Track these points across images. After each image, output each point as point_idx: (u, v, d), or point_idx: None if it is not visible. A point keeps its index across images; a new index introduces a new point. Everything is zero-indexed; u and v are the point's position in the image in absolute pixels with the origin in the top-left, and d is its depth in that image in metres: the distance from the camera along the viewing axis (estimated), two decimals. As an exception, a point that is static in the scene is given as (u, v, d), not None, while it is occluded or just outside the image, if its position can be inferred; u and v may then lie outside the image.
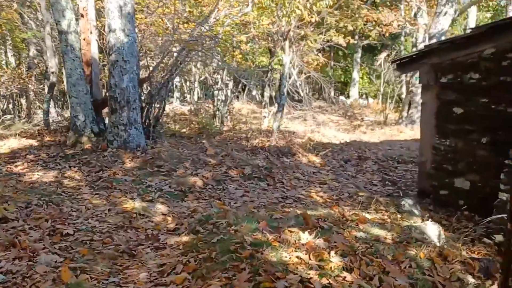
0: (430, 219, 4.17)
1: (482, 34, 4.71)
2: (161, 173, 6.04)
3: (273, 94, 11.50)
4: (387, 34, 14.40)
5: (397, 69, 5.75)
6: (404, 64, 5.63)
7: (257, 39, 9.84)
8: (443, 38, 14.20)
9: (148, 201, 5.00)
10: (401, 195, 6.51)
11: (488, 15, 21.63)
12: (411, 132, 13.85)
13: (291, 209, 4.66)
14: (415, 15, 13.62)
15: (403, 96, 19.95)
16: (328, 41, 12.17)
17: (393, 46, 22.20)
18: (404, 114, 14.85)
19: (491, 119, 4.89)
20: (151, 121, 7.62)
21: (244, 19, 8.70)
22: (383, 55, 21.17)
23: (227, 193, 5.72)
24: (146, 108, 7.57)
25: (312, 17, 8.93)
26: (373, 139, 11.94)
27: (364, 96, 24.92)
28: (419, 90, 14.18)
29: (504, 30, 4.55)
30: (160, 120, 8.14)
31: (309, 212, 4.33)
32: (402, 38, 20.83)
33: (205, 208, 4.86)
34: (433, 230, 3.75)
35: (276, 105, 10.30)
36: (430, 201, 5.68)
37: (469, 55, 4.93)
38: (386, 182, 7.20)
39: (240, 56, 9.01)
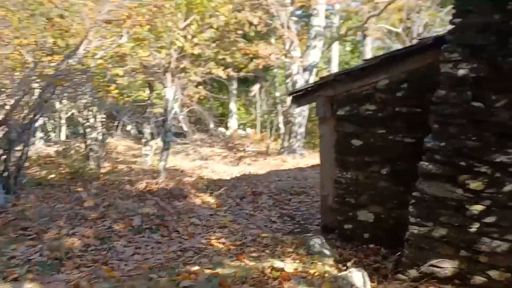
0: (350, 264, 3.91)
1: (376, 65, 4.73)
2: (28, 238, 4.87)
3: (155, 130, 10.69)
4: (260, 67, 14.68)
5: (293, 102, 5.56)
6: (299, 97, 5.45)
7: (134, 72, 9.05)
8: (314, 70, 14.99)
9: (14, 280, 3.86)
10: (302, 230, 6.29)
11: (348, 48, 23.73)
12: (294, 161, 14.14)
13: (197, 267, 4.00)
14: (289, 48, 14.13)
15: (281, 125, 20.55)
16: (208, 73, 11.87)
17: (266, 78, 23.03)
18: (285, 143, 15.15)
19: (389, 150, 4.90)
20: (11, 171, 6.29)
21: (120, 51, 7.89)
22: (256, 86, 21.75)
23: (114, 254, 4.80)
24: (3, 157, 6.23)
25: (194, 49, 8.51)
26: (260, 171, 11.81)
27: (242, 126, 25.28)
28: (297, 120, 14.66)
29: (397, 61, 4.62)
30: (22, 170, 6.80)
31: (219, 271, 3.73)
32: (276, 70, 21.68)
33: (90, 281, 3.91)
34: (358, 278, 3.45)
35: (160, 142, 9.54)
36: (335, 237, 5.51)
37: (364, 86, 4.92)
38: (285, 218, 6.93)
39: (116, 91, 8.12)
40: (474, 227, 3.75)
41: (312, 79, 14.88)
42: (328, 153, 5.42)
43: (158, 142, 10.61)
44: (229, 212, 6.77)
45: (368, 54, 20.17)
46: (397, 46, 16.84)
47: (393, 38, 18.92)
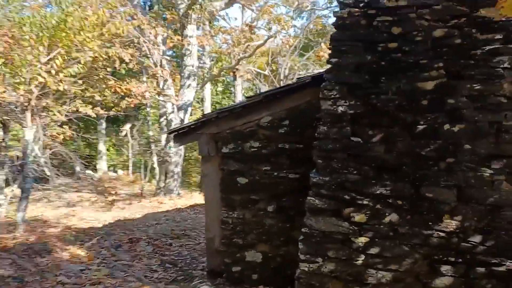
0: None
1: (258, 102, 4.74)
2: None
3: (10, 175, 9.33)
4: (132, 105, 14.10)
5: (175, 141, 5.27)
6: (182, 135, 5.20)
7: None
8: (189, 109, 14.91)
9: None
10: (186, 277, 5.90)
11: (220, 88, 24.30)
12: (171, 202, 13.62)
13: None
14: (162, 87, 13.86)
15: (155, 165, 19.86)
16: (74, 111, 10.91)
17: (137, 117, 22.26)
18: (162, 184, 14.57)
19: (275, 186, 4.90)
20: None
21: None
22: (127, 126, 20.82)
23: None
24: None
25: (58, 85, 7.73)
26: (136, 215, 11.06)
27: (112, 168, 23.84)
28: (174, 159, 14.27)
29: (278, 99, 4.70)
30: None
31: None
32: (148, 109, 21.09)
33: None
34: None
35: (18, 189, 8.31)
36: (223, 281, 5.24)
37: (247, 123, 4.89)
38: (167, 265, 6.45)
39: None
40: (360, 260, 3.83)
41: (187, 118, 14.76)
42: (213, 192, 5.21)
43: (14, 190, 9.25)
44: (104, 265, 6.04)
45: (239, 94, 20.87)
46: (265, 87, 17.78)
47: (262, 79, 19.93)
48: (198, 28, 14.97)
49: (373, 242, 3.80)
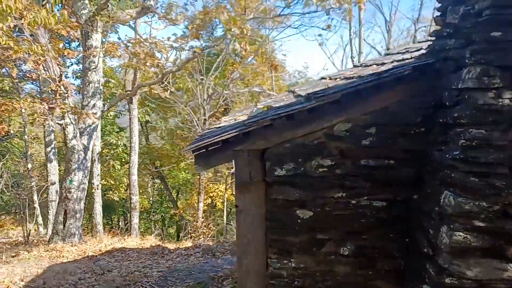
0: None
1: (332, 104, 3.40)
2: None
3: None
4: (2, 133, 11.26)
5: (198, 162, 3.57)
6: (209, 154, 3.55)
7: None
8: (94, 134, 12.54)
9: None
10: None
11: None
12: (75, 249, 10.92)
13: None
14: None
15: (36, 205, 16.56)
16: None
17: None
18: (60, 227, 11.69)
19: (351, 220, 3.56)
20: None
21: None
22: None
23: None
24: None
25: None
26: (37, 270, 8.37)
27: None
28: (76, 195, 11.61)
29: (361, 98, 3.42)
30: None
31: None
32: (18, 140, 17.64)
33: None
34: None
35: None
36: None
37: (311, 134, 3.50)
38: None
39: None
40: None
41: (92, 145, 12.33)
42: (253, 233, 3.65)
43: None
44: None
45: (135, 123, 18.69)
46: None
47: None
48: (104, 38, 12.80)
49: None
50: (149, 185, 28.71)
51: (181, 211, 22.89)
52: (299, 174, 3.53)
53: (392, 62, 4.37)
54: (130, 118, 19.33)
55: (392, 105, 3.45)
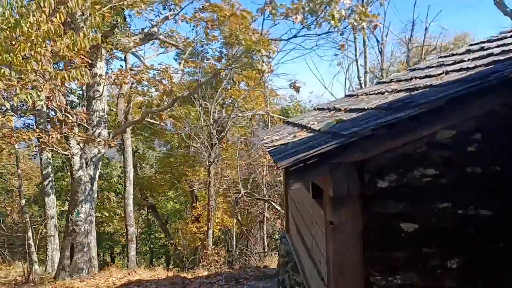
0: None
1: (435, 110, 3.28)
2: None
3: None
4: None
5: (294, 178, 3.35)
6: (304, 169, 3.35)
7: None
8: (100, 163, 12.17)
9: None
10: None
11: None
12: (84, 284, 10.37)
13: None
14: (66, 138, 10.91)
15: (31, 241, 15.95)
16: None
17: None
18: (67, 262, 11.11)
19: (457, 231, 3.39)
20: None
21: None
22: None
23: None
24: None
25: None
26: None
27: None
28: (84, 227, 11.11)
29: (464, 102, 3.32)
30: None
31: None
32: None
33: None
34: None
35: None
36: None
37: (411, 143, 3.36)
38: None
39: None
40: None
41: (97, 175, 11.94)
42: (350, 251, 3.44)
43: None
44: None
45: (130, 157, 18.32)
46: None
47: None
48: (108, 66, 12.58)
49: None
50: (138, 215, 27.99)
51: (177, 240, 22.28)
52: (402, 185, 3.37)
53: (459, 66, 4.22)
54: (124, 148, 18.90)
55: (498, 109, 3.35)
